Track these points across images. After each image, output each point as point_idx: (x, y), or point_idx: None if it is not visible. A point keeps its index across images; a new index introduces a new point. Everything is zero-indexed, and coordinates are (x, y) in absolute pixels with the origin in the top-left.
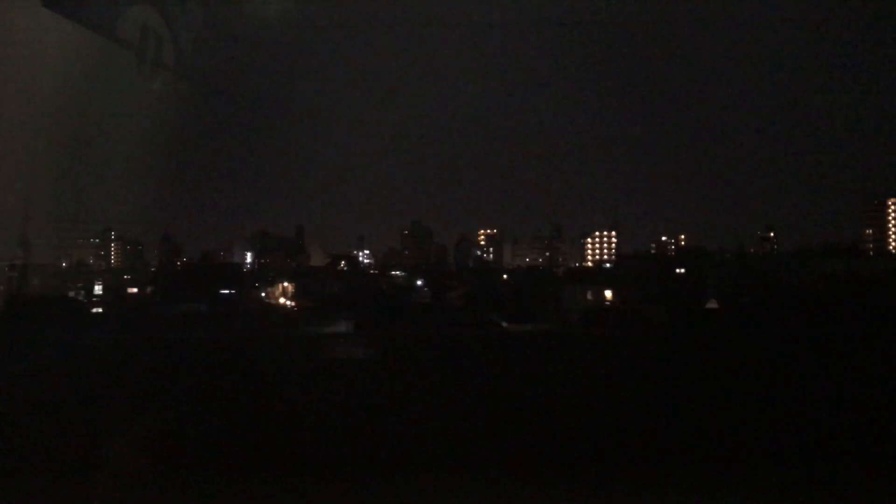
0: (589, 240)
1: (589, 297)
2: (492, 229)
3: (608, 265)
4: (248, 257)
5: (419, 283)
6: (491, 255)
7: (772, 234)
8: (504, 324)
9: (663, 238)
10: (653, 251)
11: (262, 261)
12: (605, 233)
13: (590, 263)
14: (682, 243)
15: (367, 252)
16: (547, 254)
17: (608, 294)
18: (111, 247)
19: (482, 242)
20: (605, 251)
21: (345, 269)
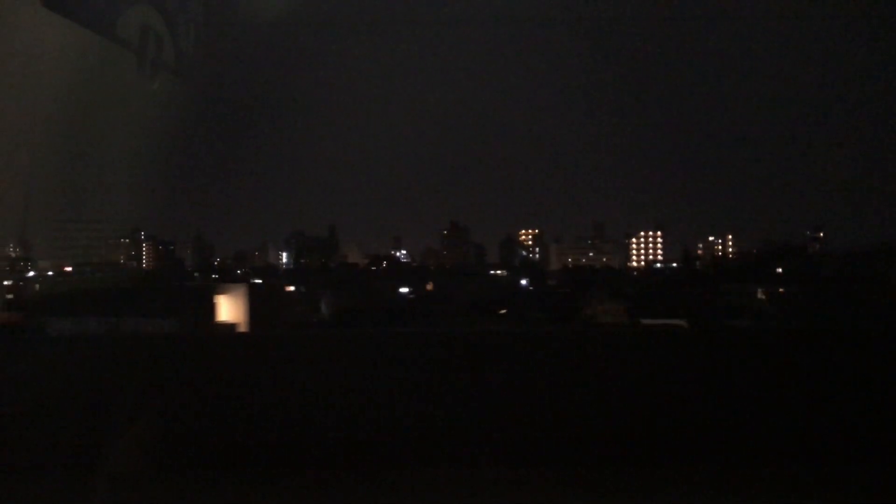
0: (633, 240)
1: (760, 295)
2: (532, 229)
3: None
4: (284, 257)
5: (523, 282)
6: (537, 255)
7: (821, 234)
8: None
9: (710, 238)
10: (699, 251)
11: (303, 260)
12: (651, 233)
13: (634, 263)
14: (730, 244)
15: (404, 252)
16: (591, 254)
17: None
18: (143, 246)
19: (527, 242)
20: (651, 251)
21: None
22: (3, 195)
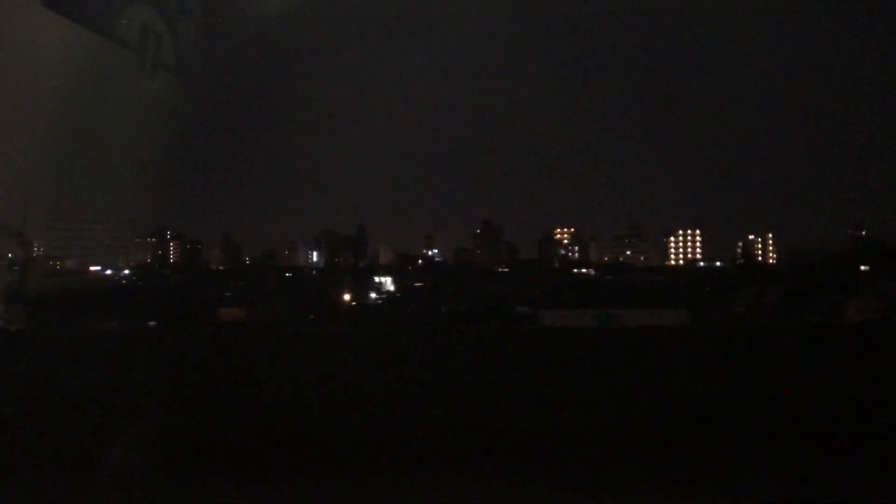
0: (672, 238)
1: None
2: (567, 228)
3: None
4: (314, 257)
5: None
6: (576, 254)
7: (863, 232)
8: None
9: (751, 237)
10: (739, 249)
11: (337, 260)
12: (689, 231)
13: (672, 262)
14: (770, 243)
15: (436, 251)
16: (628, 252)
17: None
18: (169, 246)
19: (564, 241)
20: (689, 250)
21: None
22: (8, 195)
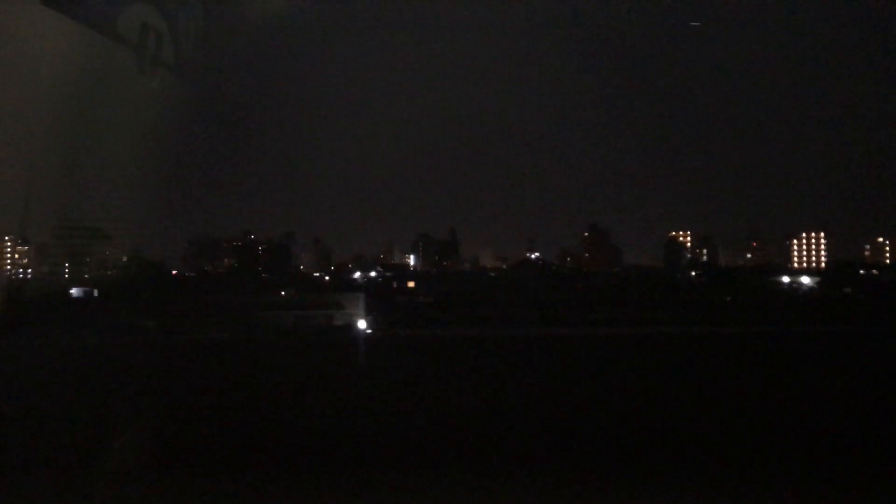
0: (794, 241)
1: None
2: (684, 231)
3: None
4: (412, 259)
5: (806, 280)
6: (705, 256)
7: None
8: None
9: (879, 239)
10: (866, 252)
11: (444, 263)
12: (813, 234)
13: (796, 264)
14: None
15: (537, 254)
16: (748, 255)
17: None
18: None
19: (687, 244)
20: (814, 253)
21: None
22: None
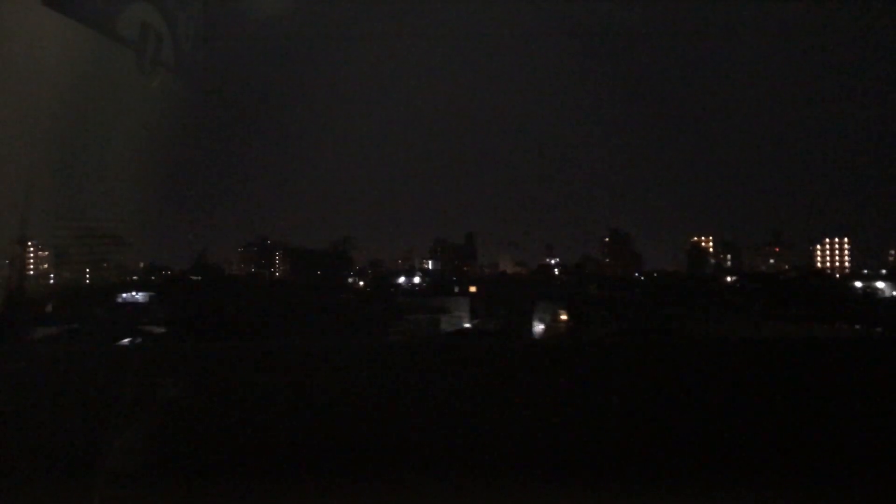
0: (818, 246)
1: None
2: (706, 236)
3: None
4: (431, 264)
5: (882, 285)
6: (729, 262)
7: None
8: None
9: None
10: (891, 258)
11: (465, 268)
12: (836, 239)
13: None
14: None
15: (557, 260)
16: (771, 261)
17: None
18: (275, 256)
19: (710, 249)
20: (838, 259)
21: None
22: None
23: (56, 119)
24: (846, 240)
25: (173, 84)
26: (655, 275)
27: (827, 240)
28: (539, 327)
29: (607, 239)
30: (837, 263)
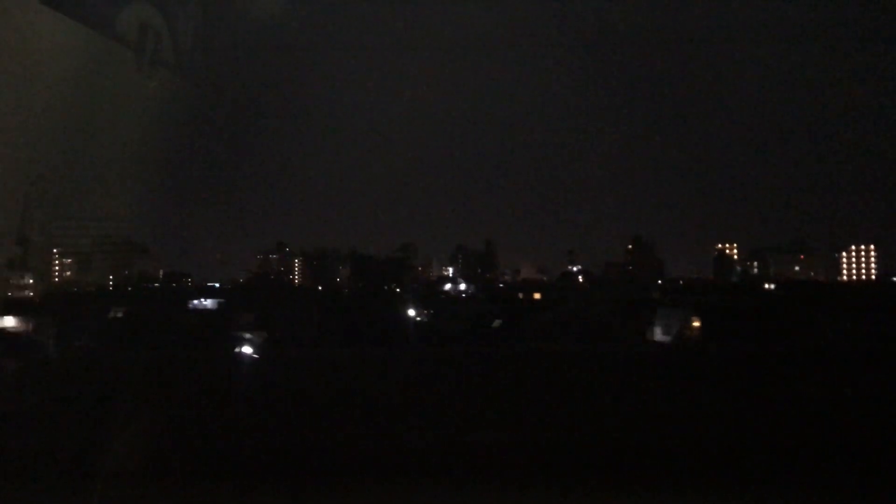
0: (844, 254)
1: None
2: (730, 244)
3: None
4: (450, 271)
5: None
6: (756, 269)
7: None
8: None
9: None
10: None
11: (487, 275)
12: (863, 246)
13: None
14: None
15: (579, 266)
16: (797, 268)
17: None
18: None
19: (735, 256)
20: (864, 266)
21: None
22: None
23: (60, 121)
24: (872, 246)
25: (173, 83)
26: (681, 282)
27: (853, 246)
28: (660, 335)
29: (630, 246)
30: (864, 271)
